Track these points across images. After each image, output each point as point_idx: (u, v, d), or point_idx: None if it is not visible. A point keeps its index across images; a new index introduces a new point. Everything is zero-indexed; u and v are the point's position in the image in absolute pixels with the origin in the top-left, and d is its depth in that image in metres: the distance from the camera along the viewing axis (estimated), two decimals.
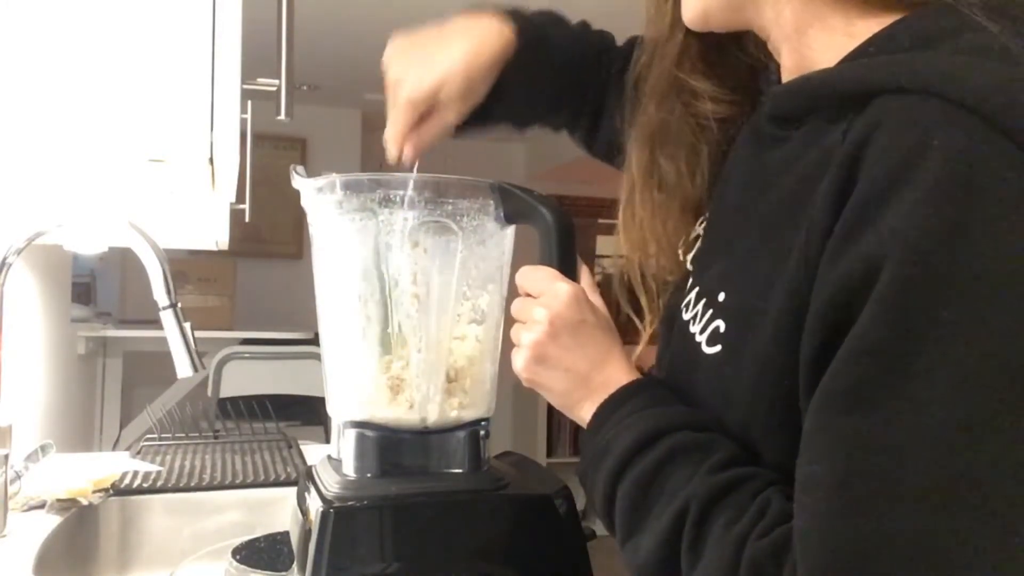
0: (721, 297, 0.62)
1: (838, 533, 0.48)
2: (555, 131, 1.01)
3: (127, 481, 1.28)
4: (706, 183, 0.75)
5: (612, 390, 0.67)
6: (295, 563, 0.74)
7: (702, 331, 0.63)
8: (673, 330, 0.70)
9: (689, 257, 0.74)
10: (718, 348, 0.61)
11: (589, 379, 0.68)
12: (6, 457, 1.06)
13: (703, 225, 0.74)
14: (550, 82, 0.93)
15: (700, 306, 0.65)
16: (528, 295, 0.71)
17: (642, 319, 0.77)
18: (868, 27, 0.58)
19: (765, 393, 0.57)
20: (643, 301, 0.77)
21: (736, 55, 0.75)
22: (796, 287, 0.53)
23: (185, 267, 3.71)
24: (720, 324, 0.61)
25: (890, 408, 0.47)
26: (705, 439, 0.60)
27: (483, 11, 0.88)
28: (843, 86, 0.55)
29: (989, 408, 0.45)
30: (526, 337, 0.68)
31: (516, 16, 0.88)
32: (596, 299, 0.73)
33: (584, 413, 0.68)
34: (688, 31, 0.72)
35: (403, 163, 0.85)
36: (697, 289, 0.66)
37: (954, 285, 0.46)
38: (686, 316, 0.66)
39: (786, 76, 0.65)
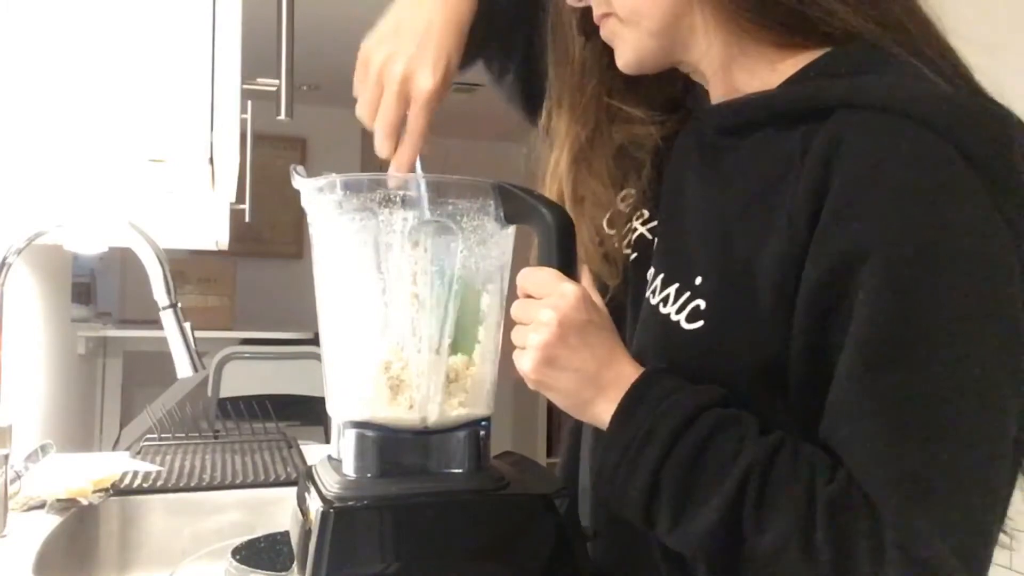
0: (698, 281, 0.70)
1: (903, 470, 0.59)
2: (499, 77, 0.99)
3: (127, 481, 1.28)
4: (624, 184, 0.83)
5: (624, 385, 0.68)
6: (295, 563, 0.74)
7: (679, 311, 0.70)
8: (635, 319, 0.76)
9: (627, 249, 0.81)
10: (699, 324, 0.69)
11: (599, 377, 0.69)
12: (6, 457, 1.06)
13: (648, 226, 0.80)
14: (503, 22, 0.91)
15: (672, 290, 0.72)
16: (529, 296, 0.71)
17: None
18: (790, 63, 0.71)
19: (756, 355, 0.66)
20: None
21: (652, 83, 0.81)
22: (784, 261, 0.65)
23: (185, 267, 3.71)
24: (700, 303, 0.69)
25: (909, 366, 0.60)
26: (734, 413, 0.66)
27: None
28: (800, 100, 0.68)
29: (979, 349, 0.60)
30: (533, 339, 0.68)
31: None
32: (596, 298, 0.73)
33: (597, 411, 0.69)
34: (598, 66, 0.81)
35: (397, 162, 0.82)
36: (663, 276, 0.73)
37: (939, 254, 0.60)
38: (653, 301, 0.73)
39: (718, 99, 0.76)
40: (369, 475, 0.74)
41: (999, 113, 0.65)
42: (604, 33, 0.77)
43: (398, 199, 0.74)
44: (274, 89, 1.14)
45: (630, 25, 0.73)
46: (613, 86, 0.82)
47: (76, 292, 2.76)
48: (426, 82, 0.80)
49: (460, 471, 0.76)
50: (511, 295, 0.75)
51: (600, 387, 0.68)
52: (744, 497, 0.61)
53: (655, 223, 0.79)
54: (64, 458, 1.39)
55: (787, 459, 0.62)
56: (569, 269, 0.71)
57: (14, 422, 1.11)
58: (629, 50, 0.75)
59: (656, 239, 0.77)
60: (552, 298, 0.69)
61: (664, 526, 0.65)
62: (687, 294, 0.70)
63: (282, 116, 1.14)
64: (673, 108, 0.83)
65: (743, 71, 0.73)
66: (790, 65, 0.71)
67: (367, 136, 0.83)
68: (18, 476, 1.20)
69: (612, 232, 0.83)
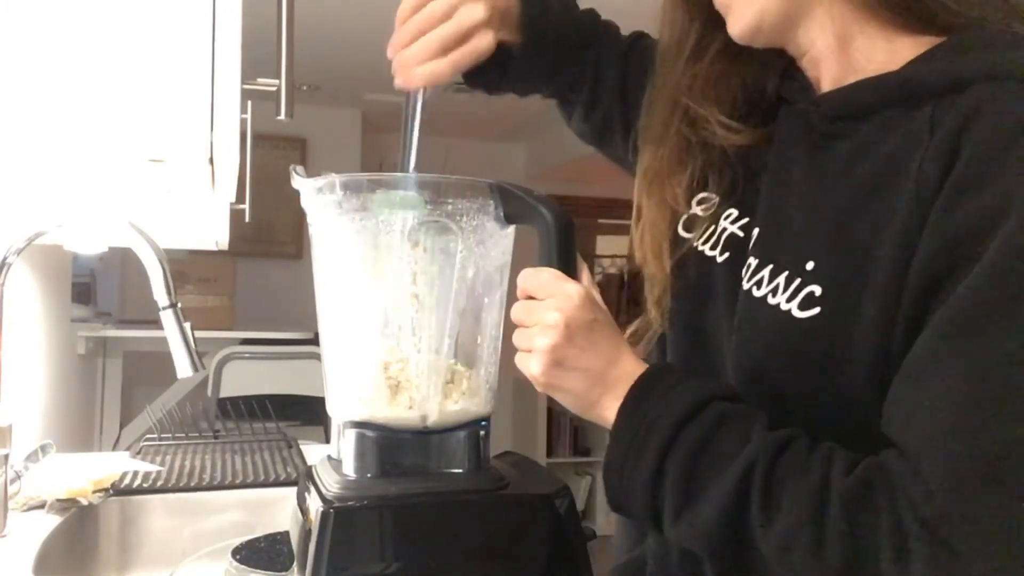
0: (810, 266, 0.67)
1: (973, 445, 0.54)
2: (549, 98, 1.03)
3: (127, 481, 1.28)
4: (695, 190, 0.81)
5: (631, 381, 0.68)
6: (295, 563, 0.74)
7: (790, 299, 0.67)
8: (705, 321, 0.75)
9: (713, 250, 0.78)
10: (816, 310, 0.65)
11: (606, 376, 0.69)
12: (6, 457, 1.06)
13: (739, 223, 0.77)
14: (551, 46, 0.94)
15: (781, 279, 0.68)
16: (530, 297, 0.71)
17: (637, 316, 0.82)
18: (906, 43, 0.69)
19: (872, 343, 0.62)
20: (650, 298, 0.81)
21: (742, 82, 0.80)
22: (906, 240, 0.61)
23: (185, 267, 3.71)
24: (815, 288, 0.66)
25: (1006, 332, 0.55)
26: (743, 407, 0.64)
27: None
28: (930, 79, 0.65)
29: None
30: (541, 342, 0.68)
31: None
32: (598, 297, 0.73)
33: (604, 410, 0.69)
34: (694, 54, 0.79)
35: (413, 92, 0.83)
36: (772, 266, 0.70)
37: None
38: (759, 292, 0.70)
39: (829, 84, 0.73)
40: (369, 475, 0.74)
41: None
42: (719, 1, 0.75)
43: (398, 199, 0.74)
44: (274, 89, 1.14)
45: None
46: (695, 80, 0.80)
47: (76, 292, 2.76)
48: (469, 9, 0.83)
49: (460, 471, 0.76)
50: (511, 296, 0.75)
51: (607, 385, 0.68)
52: (750, 488, 0.60)
53: (746, 220, 0.77)
54: (64, 458, 1.39)
55: (799, 451, 0.61)
56: (569, 269, 0.71)
57: (14, 422, 1.11)
58: (749, 11, 0.72)
59: (757, 231, 0.74)
60: (556, 299, 0.69)
61: (669, 518, 0.64)
62: (798, 280, 0.67)
63: (282, 116, 1.14)
64: (753, 116, 0.80)
65: (860, 51, 0.71)
66: (909, 48, 0.68)
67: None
68: (18, 476, 1.20)
69: (689, 235, 0.81)
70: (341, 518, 0.69)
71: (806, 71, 0.76)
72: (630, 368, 0.69)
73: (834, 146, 0.71)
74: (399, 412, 0.74)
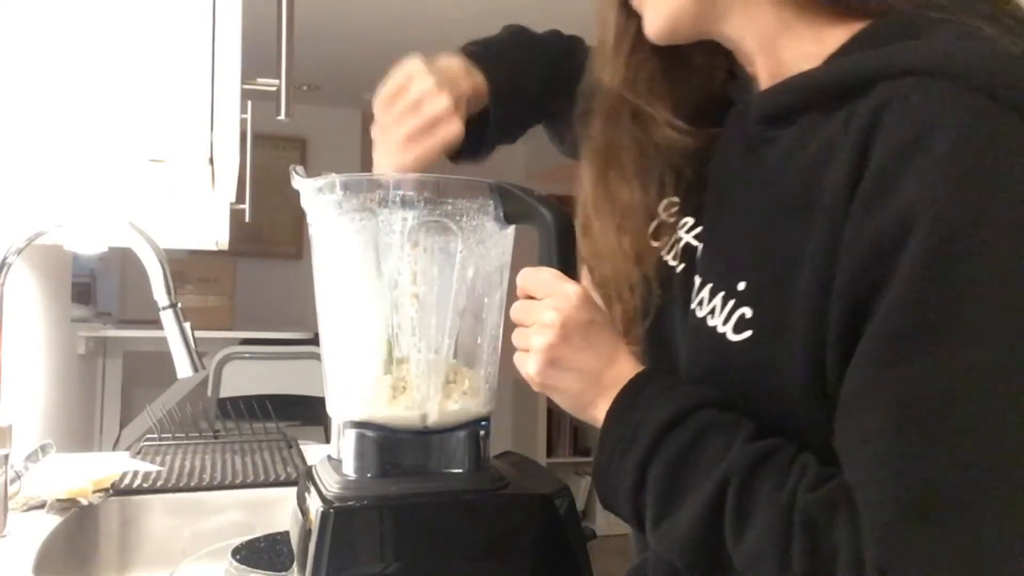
0: (741, 286, 0.64)
1: (901, 478, 0.52)
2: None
3: (127, 481, 1.28)
4: (663, 192, 0.78)
5: (625, 383, 0.67)
6: (295, 563, 0.74)
7: (725, 321, 0.65)
8: (673, 334, 0.72)
9: (674, 260, 0.76)
10: (748, 334, 0.63)
11: (601, 377, 0.68)
12: (6, 457, 1.06)
13: (693, 232, 0.75)
14: (529, 104, 0.94)
15: (718, 300, 0.66)
16: (530, 297, 0.71)
17: None
18: (835, 34, 0.64)
19: (803, 366, 0.59)
20: (613, 311, 0.78)
21: (687, 79, 0.77)
22: (823, 258, 0.57)
23: (185, 267, 3.71)
24: (746, 311, 0.63)
25: (934, 355, 0.52)
26: (731, 416, 0.63)
27: (450, 55, 0.88)
28: (840, 78, 0.60)
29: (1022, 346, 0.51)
30: (537, 341, 0.68)
31: (481, 56, 0.89)
32: (597, 298, 0.73)
33: (597, 412, 0.68)
34: (633, 51, 0.75)
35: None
36: (711, 286, 0.67)
37: (980, 237, 0.51)
38: (700, 313, 0.68)
39: (766, 81, 0.69)
40: (369, 475, 0.74)
41: None
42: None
43: (397, 199, 0.74)
44: (274, 89, 1.14)
45: None
46: (638, 78, 0.76)
47: (76, 292, 2.76)
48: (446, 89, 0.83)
49: (460, 471, 0.76)
50: (511, 295, 0.75)
51: (603, 387, 0.68)
52: (724, 501, 0.58)
53: (700, 228, 0.74)
54: (64, 458, 1.39)
55: (776, 465, 0.59)
56: (569, 269, 0.71)
57: (14, 422, 1.11)
58: (661, 13, 0.69)
59: (701, 247, 0.72)
60: (554, 299, 0.68)
61: (649, 525, 0.64)
62: (732, 302, 0.64)
63: (282, 116, 1.14)
64: (706, 117, 0.76)
65: (789, 46, 0.66)
66: (837, 37, 0.63)
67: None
68: (18, 476, 1.20)
69: (658, 244, 0.78)
70: (341, 518, 0.69)
71: (745, 67, 0.72)
72: (626, 370, 0.68)
73: (765, 152, 0.67)
74: (399, 412, 0.74)
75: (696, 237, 0.74)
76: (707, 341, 0.66)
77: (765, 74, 0.69)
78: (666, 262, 0.77)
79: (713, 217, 0.72)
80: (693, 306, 0.69)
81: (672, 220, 0.78)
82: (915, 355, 0.52)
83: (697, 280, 0.70)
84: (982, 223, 0.52)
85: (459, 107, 0.84)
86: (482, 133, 0.89)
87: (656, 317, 0.76)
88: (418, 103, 0.82)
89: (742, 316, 0.63)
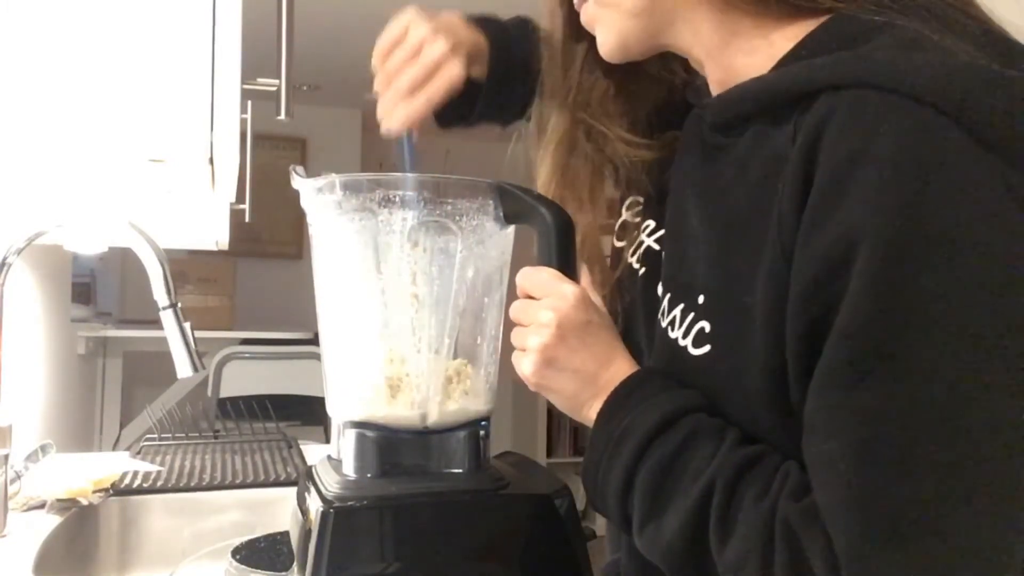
0: (700, 300, 0.64)
1: (864, 507, 0.51)
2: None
3: (127, 481, 1.28)
4: (627, 193, 0.79)
5: (617, 385, 0.67)
6: (295, 563, 0.74)
7: (685, 335, 0.65)
8: (649, 340, 0.72)
9: (637, 264, 0.76)
10: (706, 348, 0.63)
11: (597, 378, 0.68)
12: (6, 457, 1.06)
13: (654, 236, 0.75)
14: (530, 79, 0.93)
15: (678, 311, 0.66)
16: (529, 296, 0.71)
17: None
18: (784, 36, 0.62)
19: (764, 381, 0.58)
20: None
21: (644, 90, 0.77)
22: (775, 276, 0.56)
23: (185, 267, 3.71)
24: (704, 325, 0.63)
25: (889, 378, 0.51)
26: (719, 421, 0.62)
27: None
28: (786, 87, 0.59)
29: (978, 366, 0.50)
30: (533, 341, 0.68)
31: (483, 21, 0.89)
32: (596, 298, 0.73)
33: (591, 413, 0.68)
34: (583, 71, 0.76)
35: (398, 138, 0.83)
36: (670, 296, 0.68)
37: (926, 252, 0.50)
38: (663, 323, 0.68)
39: (716, 88, 0.69)
40: (369, 475, 0.74)
41: (1013, 79, 0.53)
42: (584, 19, 0.72)
43: (397, 199, 0.74)
44: (274, 89, 1.14)
45: (608, 6, 0.69)
46: (591, 99, 0.77)
47: (76, 292, 2.76)
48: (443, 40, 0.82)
49: (460, 471, 0.76)
50: (511, 295, 0.75)
51: (598, 388, 0.68)
52: (709, 508, 0.58)
53: (661, 232, 0.73)
54: (64, 458, 1.39)
55: (763, 471, 0.58)
56: (569, 269, 0.71)
57: (14, 422, 1.11)
58: (610, 34, 0.69)
59: (664, 254, 0.71)
60: (551, 299, 0.68)
61: (636, 529, 0.64)
62: (691, 315, 0.64)
63: (282, 116, 1.14)
64: (668, 123, 0.76)
65: (740, 51, 0.65)
66: (786, 38, 0.62)
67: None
68: (18, 476, 1.20)
69: (622, 244, 0.78)
70: (341, 518, 0.69)
71: (700, 72, 0.71)
72: (622, 372, 0.68)
73: (719, 160, 0.66)
74: (399, 412, 0.74)
75: (657, 241, 0.75)
76: (670, 354, 0.66)
77: (714, 81, 0.69)
78: (630, 264, 0.77)
79: (672, 224, 0.71)
80: (659, 315, 0.69)
81: (636, 220, 0.79)
82: (870, 380, 0.51)
83: (660, 289, 0.70)
84: (925, 241, 0.50)
85: (457, 51, 0.83)
86: (475, 97, 0.89)
87: (625, 321, 0.76)
88: (417, 49, 0.82)
89: (701, 330, 0.63)
